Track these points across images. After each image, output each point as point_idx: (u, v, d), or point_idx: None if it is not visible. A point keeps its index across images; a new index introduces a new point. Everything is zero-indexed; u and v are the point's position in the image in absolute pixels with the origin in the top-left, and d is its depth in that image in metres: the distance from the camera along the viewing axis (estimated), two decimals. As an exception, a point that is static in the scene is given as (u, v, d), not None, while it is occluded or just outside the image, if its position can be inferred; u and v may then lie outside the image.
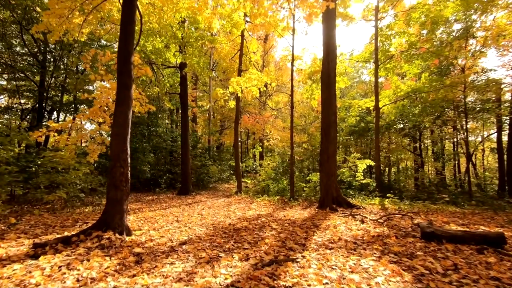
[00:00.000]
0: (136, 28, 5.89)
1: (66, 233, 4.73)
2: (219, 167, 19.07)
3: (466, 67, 12.68)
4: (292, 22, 10.56)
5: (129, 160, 4.65)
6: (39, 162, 8.45)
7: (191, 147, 17.00)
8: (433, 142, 17.11)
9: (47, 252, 3.51)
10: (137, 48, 10.34)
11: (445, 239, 4.23)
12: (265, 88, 11.00)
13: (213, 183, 17.19)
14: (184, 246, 4.09)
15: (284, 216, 6.90)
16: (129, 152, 4.68)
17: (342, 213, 7.19)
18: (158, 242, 4.24)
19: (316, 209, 8.23)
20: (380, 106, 12.65)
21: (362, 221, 5.86)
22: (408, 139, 17.36)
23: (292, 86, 10.69)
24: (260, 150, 20.84)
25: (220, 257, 3.63)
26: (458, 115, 14.35)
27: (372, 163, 11.71)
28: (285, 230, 5.26)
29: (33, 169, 8.64)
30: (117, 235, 4.21)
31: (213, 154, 20.79)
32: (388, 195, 9.54)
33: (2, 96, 15.55)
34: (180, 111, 14.19)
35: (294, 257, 3.58)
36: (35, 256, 3.37)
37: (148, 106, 8.17)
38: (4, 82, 15.35)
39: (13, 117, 15.52)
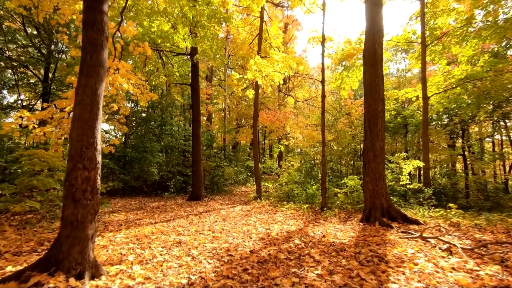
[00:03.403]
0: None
1: (9, 268, 3.18)
2: (235, 168, 17.40)
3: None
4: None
5: (98, 159, 3.02)
6: (23, 163, 7.15)
7: (205, 146, 15.46)
8: (468, 140, 14.49)
9: None
10: (140, 29, 8.89)
11: None
12: (292, 73, 9.22)
13: (228, 186, 15.54)
14: (177, 306, 2.40)
15: (324, 236, 5.08)
16: (99, 146, 3.06)
17: (402, 232, 5.27)
18: (136, 295, 2.57)
19: (360, 223, 6.37)
20: (428, 96, 10.46)
21: (450, 251, 3.92)
22: (452, 136, 14.90)
23: (323, 70, 8.83)
24: (282, 149, 19.00)
25: None
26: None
27: (421, 164, 9.58)
28: (336, 265, 3.45)
29: (19, 171, 7.38)
30: (71, 280, 2.59)
31: (229, 154, 19.17)
32: (450, 204, 7.43)
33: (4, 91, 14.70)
34: (191, 107, 12.67)
35: None
36: None
37: (150, 95, 6.66)
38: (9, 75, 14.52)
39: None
